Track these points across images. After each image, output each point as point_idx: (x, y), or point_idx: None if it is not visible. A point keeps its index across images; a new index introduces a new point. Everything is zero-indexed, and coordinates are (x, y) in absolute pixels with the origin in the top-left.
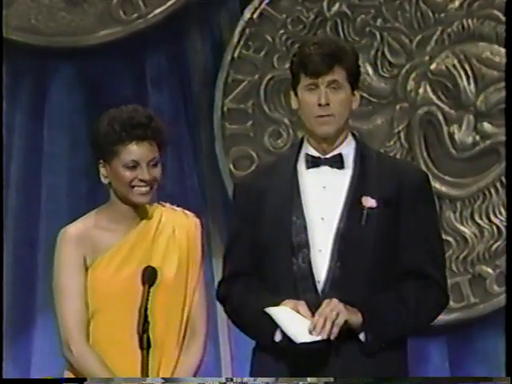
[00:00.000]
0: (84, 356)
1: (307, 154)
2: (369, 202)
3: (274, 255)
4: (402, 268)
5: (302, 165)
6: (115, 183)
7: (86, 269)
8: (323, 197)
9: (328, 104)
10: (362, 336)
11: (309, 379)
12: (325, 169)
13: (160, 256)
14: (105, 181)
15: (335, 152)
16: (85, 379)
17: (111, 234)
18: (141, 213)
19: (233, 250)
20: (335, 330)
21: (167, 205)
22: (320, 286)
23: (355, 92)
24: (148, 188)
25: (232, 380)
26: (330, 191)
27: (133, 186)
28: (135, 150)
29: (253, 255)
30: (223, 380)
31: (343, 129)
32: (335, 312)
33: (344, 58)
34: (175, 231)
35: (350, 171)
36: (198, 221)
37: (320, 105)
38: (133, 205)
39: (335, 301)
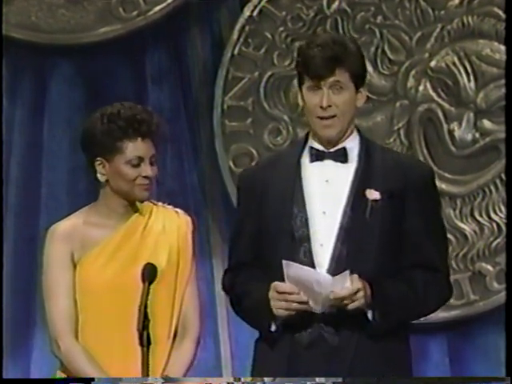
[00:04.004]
0: (72, 352)
1: (311, 148)
2: (373, 194)
3: (276, 248)
4: (409, 261)
5: (305, 158)
6: (115, 180)
7: (75, 265)
8: (325, 190)
9: (330, 106)
10: (369, 314)
11: (317, 379)
12: (328, 162)
13: (148, 252)
14: (102, 179)
15: (339, 146)
16: (92, 379)
17: (101, 230)
18: (131, 210)
19: (237, 240)
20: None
21: (159, 203)
22: None
23: (360, 89)
24: (150, 184)
25: (240, 380)
26: (333, 185)
27: (136, 183)
28: (141, 147)
29: (256, 247)
30: (231, 380)
31: (347, 127)
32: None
33: (347, 60)
34: (165, 228)
35: (354, 165)
36: (189, 219)
37: (322, 107)
38: (132, 201)
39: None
